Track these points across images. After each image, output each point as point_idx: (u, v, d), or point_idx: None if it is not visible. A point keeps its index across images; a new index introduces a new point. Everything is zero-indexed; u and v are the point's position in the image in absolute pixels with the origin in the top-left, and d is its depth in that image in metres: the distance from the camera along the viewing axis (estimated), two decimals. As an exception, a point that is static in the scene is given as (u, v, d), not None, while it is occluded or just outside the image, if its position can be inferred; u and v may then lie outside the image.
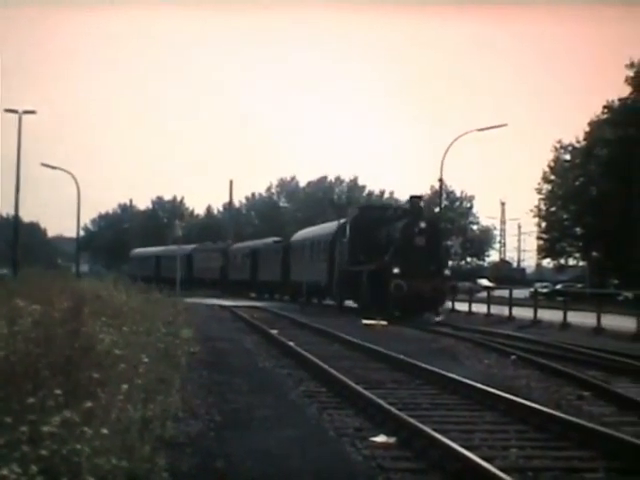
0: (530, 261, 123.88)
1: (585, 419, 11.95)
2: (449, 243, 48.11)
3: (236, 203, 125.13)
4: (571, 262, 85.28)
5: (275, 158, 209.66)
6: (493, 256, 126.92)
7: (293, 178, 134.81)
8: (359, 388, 14.16)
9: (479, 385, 14.59)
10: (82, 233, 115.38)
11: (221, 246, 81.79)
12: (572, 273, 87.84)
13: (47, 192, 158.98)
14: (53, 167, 75.86)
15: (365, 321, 32.83)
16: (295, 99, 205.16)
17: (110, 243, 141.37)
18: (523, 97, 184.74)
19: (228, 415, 12.11)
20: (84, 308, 13.94)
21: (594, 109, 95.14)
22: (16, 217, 65.89)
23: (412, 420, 11.12)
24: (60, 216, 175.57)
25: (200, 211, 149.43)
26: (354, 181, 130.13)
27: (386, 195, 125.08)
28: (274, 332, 26.46)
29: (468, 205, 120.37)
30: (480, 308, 42.42)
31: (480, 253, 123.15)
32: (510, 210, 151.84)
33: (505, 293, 47.19)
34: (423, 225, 38.88)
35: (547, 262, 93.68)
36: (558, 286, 75.18)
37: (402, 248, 38.39)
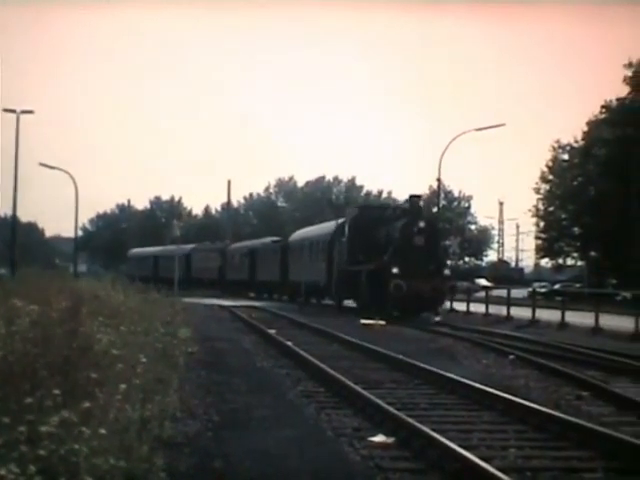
0: (528, 261, 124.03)
1: (584, 419, 11.94)
2: (447, 243, 48.00)
3: (234, 203, 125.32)
4: (569, 262, 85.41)
5: (273, 158, 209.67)
6: (491, 256, 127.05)
7: (291, 178, 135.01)
8: (357, 388, 14.15)
9: (477, 385, 14.58)
10: (80, 233, 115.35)
11: (219, 246, 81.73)
12: (570, 273, 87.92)
13: (45, 192, 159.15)
14: (51, 167, 75.79)
15: (363, 321, 32.82)
16: (293, 99, 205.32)
17: (108, 243, 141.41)
18: (521, 97, 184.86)
19: (226, 415, 12.10)
20: (82, 308, 13.93)
21: (592, 109, 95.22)
22: (14, 217, 65.84)
23: (410, 420, 11.11)
24: (58, 216, 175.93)
25: (198, 211, 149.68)
26: (352, 181, 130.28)
27: (384, 195, 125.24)
28: (272, 332, 26.45)
29: (466, 205, 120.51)
30: (478, 308, 42.43)
31: (478, 253, 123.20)
32: (508, 210, 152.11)
33: (503, 293, 47.22)
34: (422, 225, 38.73)
35: (545, 262, 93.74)
36: (556, 286, 75.26)
37: (401, 248, 38.25)
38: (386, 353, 20.21)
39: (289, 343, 22.27)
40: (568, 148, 79.62)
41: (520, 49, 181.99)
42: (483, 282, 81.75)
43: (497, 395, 13.59)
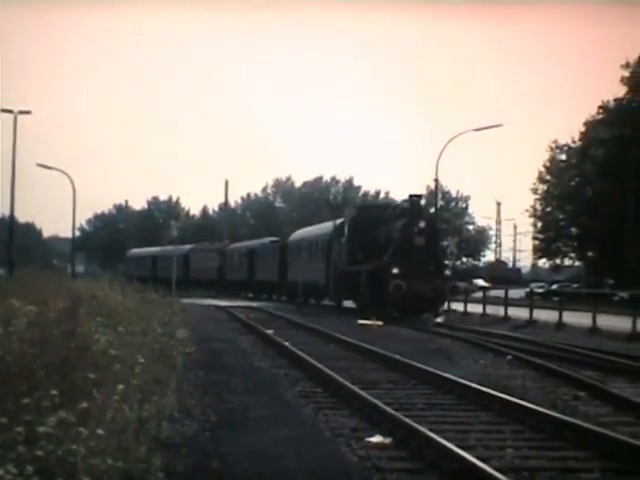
0: (526, 261, 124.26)
1: (581, 419, 11.95)
2: (445, 243, 47.93)
3: (232, 203, 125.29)
4: (567, 262, 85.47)
5: (271, 158, 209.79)
6: (489, 256, 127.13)
7: (289, 178, 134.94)
8: (355, 388, 14.16)
9: (475, 385, 14.59)
10: (78, 233, 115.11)
11: (218, 246, 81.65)
12: (568, 273, 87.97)
13: (43, 192, 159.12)
14: (49, 167, 75.78)
15: (361, 321, 32.81)
16: (291, 99, 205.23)
17: (106, 243, 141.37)
18: (519, 97, 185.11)
19: (224, 415, 12.10)
20: (80, 308, 13.94)
21: (590, 109, 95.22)
22: (11, 217, 65.82)
23: (408, 420, 11.12)
24: (56, 216, 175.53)
25: (196, 211, 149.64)
26: (350, 181, 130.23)
27: (382, 195, 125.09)
28: (270, 332, 26.45)
29: (464, 205, 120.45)
30: (476, 308, 42.44)
31: (476, 253, 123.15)
32: (506, 210, 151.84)
33: (501, 293, 47.22)
34: (422, 224, 38.30)
35: (543, 262, 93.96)
36: (554, 286, 75.29)
37: (401, 248, 37.85)
38: (383, 353, 20.21)
39: (286, 343, 22.27)
40: (566, 148, 79.73)
41: (518, 50, 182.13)
42: (481, 282, 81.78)
43: (494, 395, 13.59)
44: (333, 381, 15.29)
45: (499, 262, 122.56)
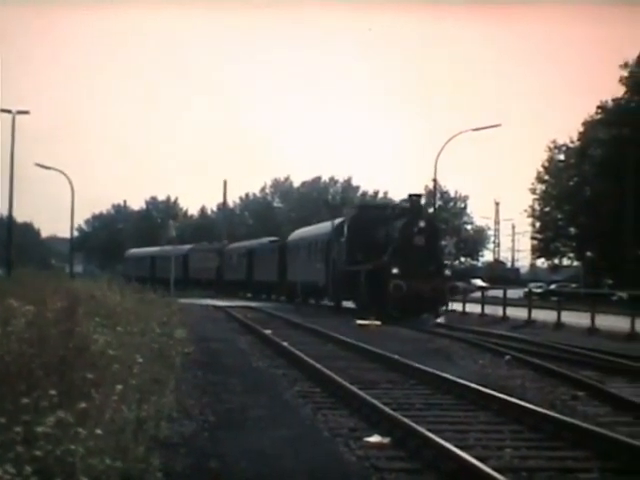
0: (524, 261, 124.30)
1: (580, 419, 11.96)
2: (443, 243, 47.90)
3: (230, 203, 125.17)
4: (565, 262, 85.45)
5: (269, 158, 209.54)
6: (487, 256, 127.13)
7: (287, 178, 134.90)
8: (353, 388, 14.16)
9: (473, 385, 14.59)
10: (76, 233, 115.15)
11: (217, 246, 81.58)
12: (566, 273, 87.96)
13: (41, 192, 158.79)
14: (47, 167, 75.70)
15: (359, 321, 32.81)
16: (289, 99, 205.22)
17: (104, 243, 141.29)
18: (517, 97, 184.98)
19: (222, 415, 12.10)
20: (78, 308, 13.93)
21: (588, 109, 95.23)
22: (10, 217, 65.75)
23: (406, 420, 11.12)
24: (54, 216, 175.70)
25: (194, 211, 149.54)
26: (348, 181, 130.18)
27: (380, 195, 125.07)
28: (268, 332, 26.45)
29: (462, 205, 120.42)
30: (474, 308, 42.44)
31: (474, 253, 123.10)
32: (504, 210, 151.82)
33: (499, 293, 47.21)
34: (422, 224, 38.10)
35: (541, 262, 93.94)
36: (552, 286, 75.27)
37: (401, 248, 37.67)
38: (382, 353, 20.22)
39: (285, 343, 22.27)
40: (564, 148, 79.68)
41: (516, 50, 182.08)
42: (479, 282, 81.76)
43: (493, 395, 13.60)
44: (331, 381, 15.29)
45: (497, 262, 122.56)
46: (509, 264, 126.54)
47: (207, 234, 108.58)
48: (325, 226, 50.44)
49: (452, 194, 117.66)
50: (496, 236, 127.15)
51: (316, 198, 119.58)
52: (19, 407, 7.83)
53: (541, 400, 14.21)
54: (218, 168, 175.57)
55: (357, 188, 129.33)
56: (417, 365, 17.65)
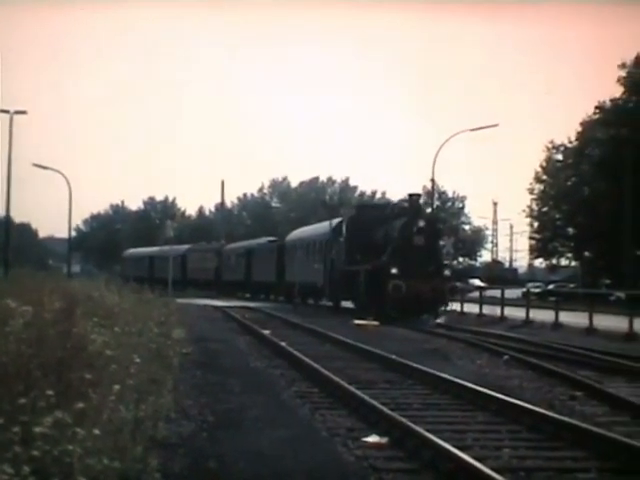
0: (522, 261, 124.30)
1: (578, 419, 11.96)
2: (441, 243, 47.77)
3: (228, 204, 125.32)
4: (563, 262, 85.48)
5: (267, 159, 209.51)
6: (485, 256, 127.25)
7: (285, 178, 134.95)
8: (351, 388, 14.16)
9: (471, 385, 14.59)
10: (74, 234, 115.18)
11: (215, 246, 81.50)
12: (564, 273, 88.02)
13: (38, 192, 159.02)
14: (45, 167, 75.78)
15: (357, 321, 32.80)
16: (287, 99, 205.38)
17: (102, 244, 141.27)
18: (515, 97, 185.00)
19: (220, 415, 12.09)
20: (76, 309, 13.92)
21: (586, 109, 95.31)
22: (7, 217, 65.72)
23: (404, 420, 11.11)
24: (51, 217, 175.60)
25: (192, 212, 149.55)
26: (346, 181, 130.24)
27: (378, 195, 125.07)
28: (266, 332, 26.44)
29: (460, 205, 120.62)
30: (472, 308, 42.42)
31: (472, 253, 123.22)
32: (502, 210, 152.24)
33: (497, 293, 47.23)
34: (422, 224, 37.77)
35: (539, 262, 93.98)
36: (550, 286, 75.28)
37: (400, 247, 37.32)
38: (380, 353, 20.22)
39: (283, 343, 22.27)
40: (562, 148, 79.70)
41: (514, 50, 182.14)
42: (477, 282, 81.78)
43: (491, 395, 13.60)
44: (329, 381, 15.29)
45: (495, 262, 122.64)
46: (507, 264, 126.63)
47: (205, 234, 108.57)
48: (324, 226, 50.24)
49: (450, 194, 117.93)
50: (494, 236, 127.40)
51: (314, 198, 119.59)
52: (17, 407, 7.82)
53: (539, 400, 14.21)
54: (216, 168, 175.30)
55: (355, 188, 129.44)
56: (415, 365, 17.65)
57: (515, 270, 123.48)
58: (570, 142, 77.79)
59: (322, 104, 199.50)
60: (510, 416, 12.47)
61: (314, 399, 14.21)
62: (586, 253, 77.89)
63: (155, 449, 9.02)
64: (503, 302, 40.67)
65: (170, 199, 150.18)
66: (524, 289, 62.08)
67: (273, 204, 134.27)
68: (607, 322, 32.44)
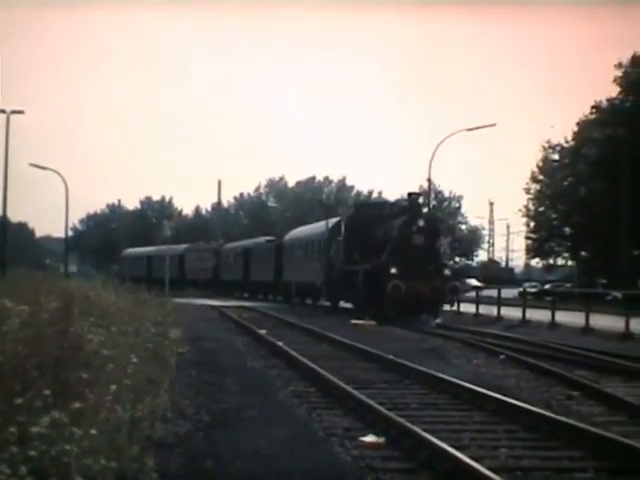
0: (519, 261, 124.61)
1: (575, 419, 11.96)
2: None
3: (225, 203, 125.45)
4: (560, 262, 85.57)
5: (264, 158, 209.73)
6: (482, 256, 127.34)
7: (282, 178, 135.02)
8: (348, 388, 14.15)
9: (468, 385, 14.59)
10: (70, 233, 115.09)
11: (214, 246, 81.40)
12: (561, 273, 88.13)
13: (35, 192, 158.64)
14: (41, 167, 75.67)
15: (354, 321, 32.78)
16: (284, 99, 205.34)
17: (99, 243, 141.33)
18: (512, 97, 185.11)
19: (217, 415, 12.09)
20: (73, 308, 13.91)
21: (583, 109, 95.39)
22: (4, 217, 65.65)
23: (401, 420, 11.11)
24: (48, 216, 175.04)
25: (189, 211, 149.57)
26: (342, 181, 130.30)
27: (374, 195, 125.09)
28: (263, 332, 26.43)
29: (457, 205, 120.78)
30: (469, 308, 42.42)
31: (469, 253, 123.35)
32: (499, 210, 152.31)
33: (493, 293, 47.24)
34: (422, 223, 37.38)
35: (536, 262, 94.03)
36: (547, 286, 75.38)
37: (400, 247, 36.96)
38: (377, 353, 20.21)
39: (280, 343, 22.26)
40: (558, 148, 79.75)
41: (511, 50, 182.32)
42: (473, 282, 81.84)
43: (488, 395, 13.59)
44: (326, 381, 15.28)
45: (492, 262, 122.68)
46: (503, 264, 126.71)
47: (202, 234, 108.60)
48: (322, 225, 49.84)
49: (447, 194, 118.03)
50: (490, 236, 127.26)
51: (310, 198, 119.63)
52: (13, 407, 7.82)
53: (536, 400, 14.21)
54: (212, 168, 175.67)
55: (351, 188, 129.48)
56: (412, 365, 17.65)
57: (512, 270, 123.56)
58: (567, 142, 77.92)
59: (319, 104, 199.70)
60: (507, 416, 12.46)
61: (311, 399, 14.19)
62: (582, 253, 77.97)
63: (152, 449, 9.02)
64: (500, 302, 40.67)
65: (167, 199, 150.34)
66: (520, 289, 62.23)
67: (270, 204, 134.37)
68: (603, 322, 32.44)
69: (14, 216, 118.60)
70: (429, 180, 64.00)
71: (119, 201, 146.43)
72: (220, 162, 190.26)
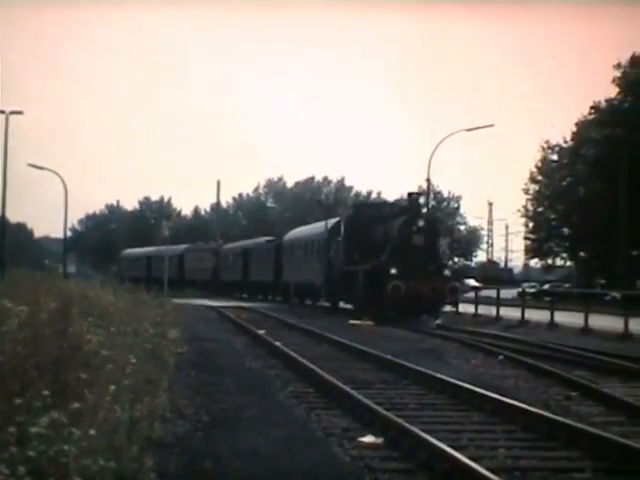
0: (517, 261, 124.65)
1: (573, 419, 11.97)
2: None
3: (223, 203, 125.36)
4: (558, 262, 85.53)
5: (262, 159, 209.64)
6: (480, 256, 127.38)
7: (280, 178, 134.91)
8: (347, 388, 14.16)
9: (466, 385, 14.60)
10: (69, 234, 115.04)
11: (213, 246, 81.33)
12: (559, 273, 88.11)
13: (34, 192, 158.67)
14: (40, 167, 75.66)
15: (352, 321, 32.77)
16: (283, 99, 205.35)
17: (97, 244, 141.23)
18: (511, 97, 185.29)
19: (216, 415, 12.09)
20: (72, 309, 13.92)
21: (582, 109, 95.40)
22: (3, 217, 65.64)
23: (400, 420, 11.12)
24: (47, 217, 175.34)
25: (187, 212, 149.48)
26: (341, 181, 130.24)
27: (373, 195, 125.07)
28: (261, 332, 26.43)
29: (455, 205, 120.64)
30: (467, 308, 42.41)
31: (467, 253, 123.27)
32: (497, 210, 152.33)
33: (492, 293, 47.23)
34: (421, 223, 37.21)
35: (534, 262, 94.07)
36: (545, 286, 75.37)
37: (399, 247, 36.77)
38: (375, 353, 20.22)
39: (278, 344, 22.26)
40: (557, 148, 79.73)
41: (510, 50, 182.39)
42: (472, 282, 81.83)
43: (486, 395, 13.60)
44: (325, 381, 15.29)
45: (491, 262, 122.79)
46: (502, 264, 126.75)
47: (201, 234, 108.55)
48: (321, 226, 49.66)
49: (445, 194, 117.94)
50: (489, 236, 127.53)
51: (309, 198, 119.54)
52: (12, 407, 7.82)
53: (534, 400, 14.22)
54: (211, 168, 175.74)
55: (350, 188, 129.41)
56: (410, 365, 17.66)
57: (510, 270, 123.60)
58: (565, 142, 77.91)
59: (318, 104, 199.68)
60: (505, 416, 12.47)
61: (309, 399, 14.20)
62: (581, 253, 77.96)
63: (150, 449, 9.02)
64: (498, 302, 40.67)
65: (165, 199, 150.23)
66: (519, 289, 62.18)
67: (269, 204, 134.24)
68: (602, 322, 32.45)
69: (13, 216, 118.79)
70: (428, 180, 64.03)
71: (118, 202, 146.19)
72: (219, 162, 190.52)
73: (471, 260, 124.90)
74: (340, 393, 14.03)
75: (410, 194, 39.71)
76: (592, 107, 72.28)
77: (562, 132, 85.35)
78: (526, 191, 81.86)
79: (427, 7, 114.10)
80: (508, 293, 56.90)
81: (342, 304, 44.46)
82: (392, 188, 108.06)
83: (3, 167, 59.79)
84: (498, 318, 38.45)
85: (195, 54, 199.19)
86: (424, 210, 66.11)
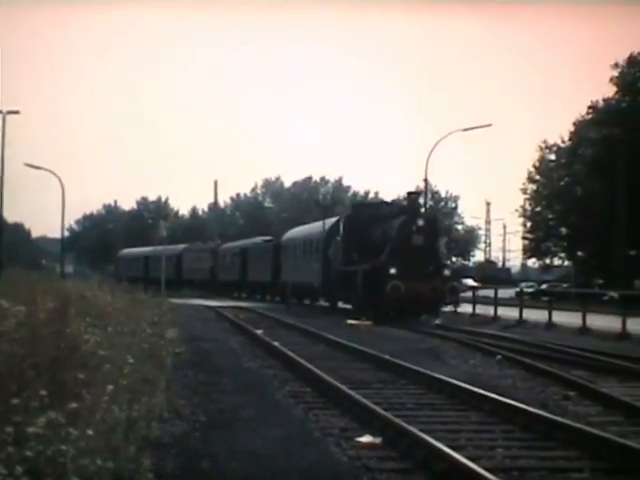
0: (515, 261, 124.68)
1: (571, 419, 11.97)
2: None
3: (221, 203, 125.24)
4: (556, 262, 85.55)
5: (260, 158, 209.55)
6: (478, 256, 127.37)
7: (278, 178, 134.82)
8: (345, 388, 14.15)
9: (465, 385, 14.59)
10: (67, 234, 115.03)
11: (211, 246, 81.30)
12: (557, 273, 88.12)
13: (31, 192, 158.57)
14: (37, 167, 75.59)
15: (350, 321, 32.76)
16: (280, 99, 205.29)
17: (95, 244, 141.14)
18: (508, 97, 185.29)
19: (213, 415, 12.08)
20: (69, 309, 13.90)
21: (579, 109, 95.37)
22: (0, 217, 65.60)
23: (398, 420, 11.11)
24: (44, 216, 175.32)
25: (185, 212, 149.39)
26: (339, 181, 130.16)
27: (371, 195, 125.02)
28: (259, 332, 26.43)
29: (453, 205, 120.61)
30: (465, 308, 42.39)
31: (465, 253, 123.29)
32: (495, 210, 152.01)
33: (490, 293, 47.22)
34: (421, 223, 37.06)
35: (532, 262, 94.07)
36: (543, 286, 75.33)
37: (399, 247, 36.69)
38: (373, 353, 20.22)
39: (276, 343, 22.25)
40: (555, 148, 79.73)
41: (508, 50, 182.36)
42: (470, 282, 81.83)
43: (484, 395, 13.60)
44: (322, 381, 15.28)
45: (489, 262, 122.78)
46: (500, 264, 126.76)
47: (198, 234, 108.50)
48: (320, 226, 49.46)
49: (443, 194, 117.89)
50: (487, 236, 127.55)
51: (307, 198, 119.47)
52: (10, 407, 7.81)
53: (532, 400, 14.23)
54: (209, 168, 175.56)
55: (348, 188, 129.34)
56: (408, 365, 17.65)
57: (508, 270, 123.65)
58: (563, 142, 77.90)
59: (315, 104, 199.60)
60: (503, 416, 12.47)
61: (307, 399, 14.20)
62: (579, 253, 77.98)
63: (148, 449, 9.01)
64: (496, 302, 40.66)
65: (163, 199, 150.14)
66: (517, 289, 62.14)
67: (266, 204, 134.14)
68: (600, 322, 32.45)
69: (10, 216, 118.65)
70: (426, 180, 64.00)
71: (115, 202, 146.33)
72: (216, 162, 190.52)
73: (469, 260, 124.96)
74: (338, 393, 14.02)
75: (410, 193, 39.57)
76: (590, 107, 72.32)
77: (560, 132, 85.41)
78: (524, 191, 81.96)
79: (427, 7, 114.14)
80: (506, 293, 56.87)
81: (341, 304, 44.39)
82: (390, 188, 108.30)
83: (0, 167, 59.79)
84: (496, 318, 38.44)
85: (192, 54, 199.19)
86: (422, 210, 66.21)
